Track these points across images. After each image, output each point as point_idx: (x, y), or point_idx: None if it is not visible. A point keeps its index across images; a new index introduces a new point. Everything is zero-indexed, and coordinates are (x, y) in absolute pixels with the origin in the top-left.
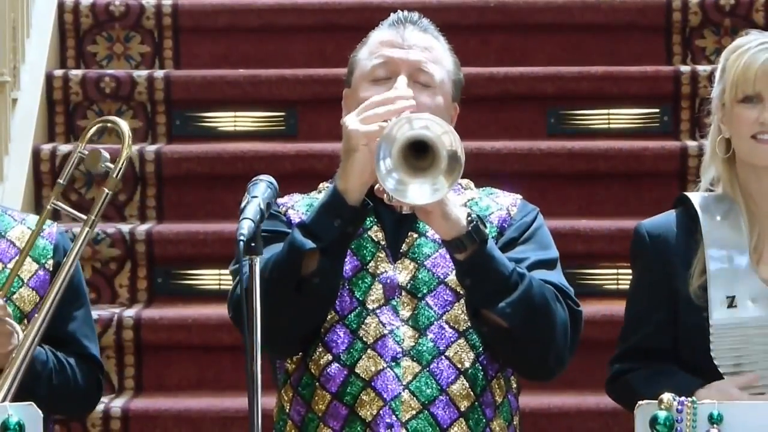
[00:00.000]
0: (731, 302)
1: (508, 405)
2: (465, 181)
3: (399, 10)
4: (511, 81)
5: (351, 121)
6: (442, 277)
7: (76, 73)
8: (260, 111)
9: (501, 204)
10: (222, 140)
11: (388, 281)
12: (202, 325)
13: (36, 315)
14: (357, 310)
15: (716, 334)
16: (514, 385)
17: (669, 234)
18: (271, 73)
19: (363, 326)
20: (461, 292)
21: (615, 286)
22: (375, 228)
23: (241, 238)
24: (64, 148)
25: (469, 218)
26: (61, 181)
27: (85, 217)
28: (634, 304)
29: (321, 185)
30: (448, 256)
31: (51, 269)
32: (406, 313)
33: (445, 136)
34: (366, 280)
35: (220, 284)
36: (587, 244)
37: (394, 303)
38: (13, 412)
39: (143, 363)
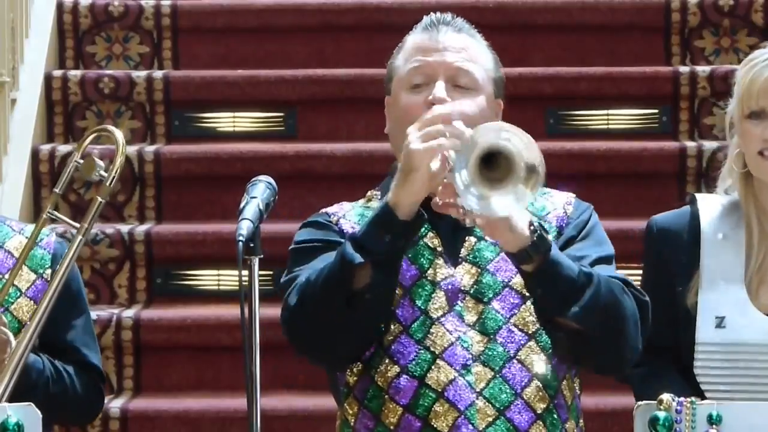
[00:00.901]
0: (720, 323)
1: (576, 406)
2: None
3: (432, 12)
4: (509, 81)
5: (413, 139)
6: (506, 280)
7: (75, 74)
8: (259, 111)
9: (556, 203)
10: (221, 141)
11: (450, 287)
12: (201, 326)
13: (28, 321)
14: (420, 319)
15: (701, 352)
16: (578, 387)
17: (677, 232)
18: (270, 74)
19: (429, 336)
20: (526, 294)
21: None
22: (430, 234)
23: (240, 238)
24: (63, 148)
25: (532, 227)
26: (57, 190)
27: (78, 225)
28: None
29: (369, 193)
30: (509, 259)
31: (49, 279)
32: (472, 317)
33: (524, 149)
34: (426, 288)
35: (219, 285)
36: None
37: (459, 308)
38: (12, 413)
39: (142, 363)
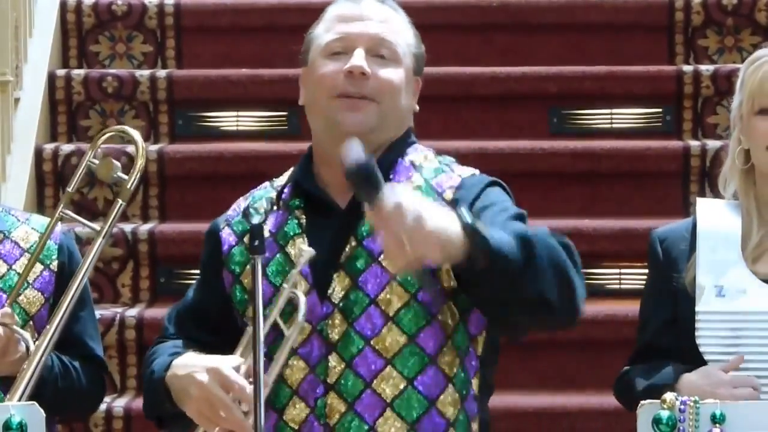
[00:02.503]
0: (719, 291)
1: (465, 412)
2: (421, 155)
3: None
4: (513, 80)
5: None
6: (372, 296)
7: (78, 73)
8: (263, 110)
9: (448, 184)
10: (224, 140)
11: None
12: None
13: (47, 326)
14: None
15: (702, 321)
16: (474, 391)
17: (678, 241)
18: (274, 73)
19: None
20: (389, 313)
21: (617, 286)
22: (298, 239)
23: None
24: (66, 147)
25: (461, 222)
26: (69, 189)
27: (97, 227)
28: (643, 309)
29: (271, 182)
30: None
31: (56, 270)
32: (334, 337)
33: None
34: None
35: None
36: (590, 243)
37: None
38: (16, 412)
39: None
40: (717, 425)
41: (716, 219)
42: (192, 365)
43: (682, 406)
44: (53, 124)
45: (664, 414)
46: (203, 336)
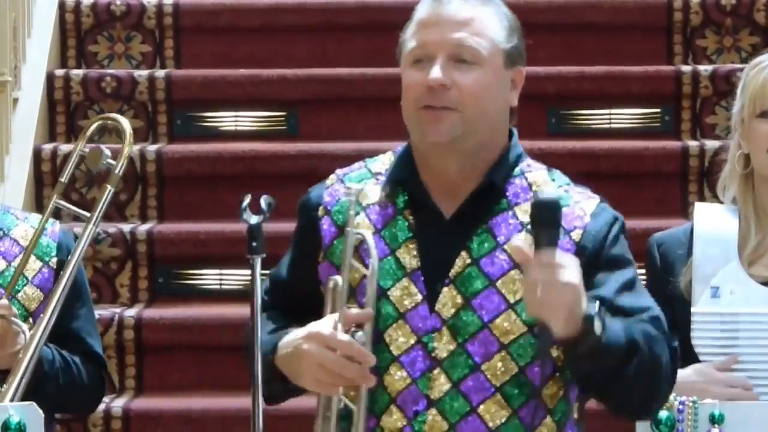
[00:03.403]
0: (715, 293)
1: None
2: (538, 174)
3: None
4: None
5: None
6: (487, 320)
7: (77, 73)
8: (261, 111)
9: (578, 213)
10: (223, 140)
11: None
12: (203, 325)
13: (42, 315)
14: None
15: (697, 322)
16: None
17: (675, 246)
18: (272, 73)
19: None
20: (504, 342)
21: None
22: (409, 245)
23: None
24: (65, 147)
25: (586, 317)
26: (62, 179)
27: (88, 214)
28: None
29: (379, 162)
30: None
31: (55, 267)
32: (442, 354)
33: None
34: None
35: (221, 284)
36: None
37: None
38: (14, 412)
39: (144, 363)
40: (716, 425)
41: (714, 222)
42: (293, 342)
43: (681, 407)
44: (52, 125)
45: (663, 414)
46: (297, 310)
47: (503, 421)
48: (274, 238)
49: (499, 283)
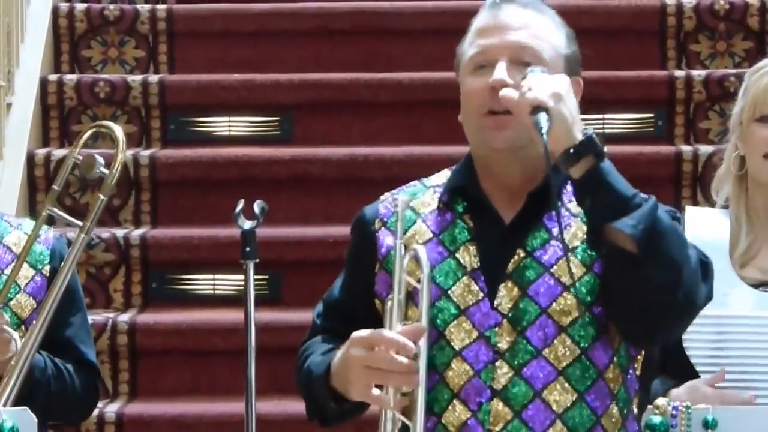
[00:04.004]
0: None
1: (626, 388)
2: None
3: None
4: None
5: (356, 377)
6: (545, 306)
7: (70, 78)
8: (255, 115)
9: None
10: (217, 145)
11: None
12: (197, 330)
13: (34, 322)
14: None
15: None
16: (626, 359)
17: None
18: (266, 78)
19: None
20: (563, 324)
21: None
22: (469, 246)
23: None
24: (58, 153)
25: (585, 131)
26: (55, 186)
27: (80, 223)
28: None
29: (437, 177)
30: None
31: (48, 275)
32: (503, 346)
33: None
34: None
35: (214, 289)
36: None
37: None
38: (8, 417)
39: (138, 368)
40: (709, 430)
41: (705, 226)
42: (341, 353)
43: (674, 412)
44: (45, 130)
45: (656, 419)
46: (353, 330)
47: (569, 405)
48: (267, 243)
49: (553, 269)
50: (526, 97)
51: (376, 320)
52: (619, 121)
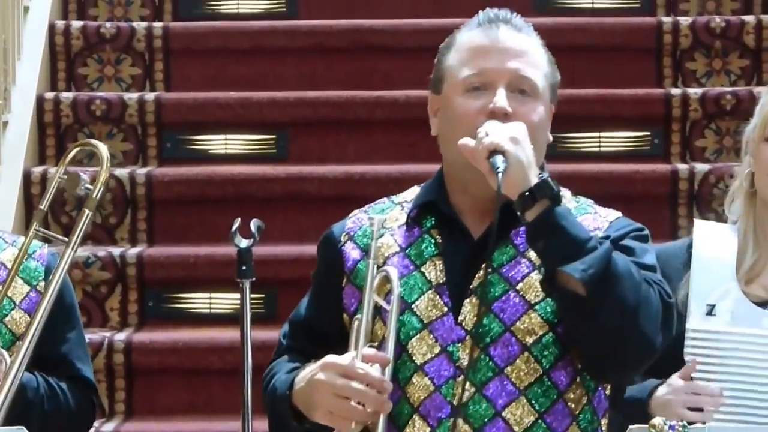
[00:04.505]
0: (710, 310)
1: (594, 405)
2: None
3: (488, 8)
4: None
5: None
6: (509, 323)
7: (66, 96)
8: (251, 133)
9: (598, 215)
10: (213, 163)
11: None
12: (193, 349)
13: (22, 339)
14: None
15: (691, 339)
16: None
17: (673, 259)
18: (262, 96)
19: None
20: (527, 342)
21: None
22: (436, 261)
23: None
24: (54, 170)
25: (540, 175)
26: (42, 207)
27: (66, 239)
28: None
29: (403, 195)
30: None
31: (42, 291)
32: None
33: None
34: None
35: (210, 308)
36: None
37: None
38: None
39: (134, 387)
40: None
41: (712, 240)
42: (308, 373)
43: (670, 430)
44: (42, 147)
45: None
46: (319, 351)
47: (529, 425)
48: (263, 262)
49: (519, 286)
50: (484, 143)
51: (344, 337)
52: (616, 139)
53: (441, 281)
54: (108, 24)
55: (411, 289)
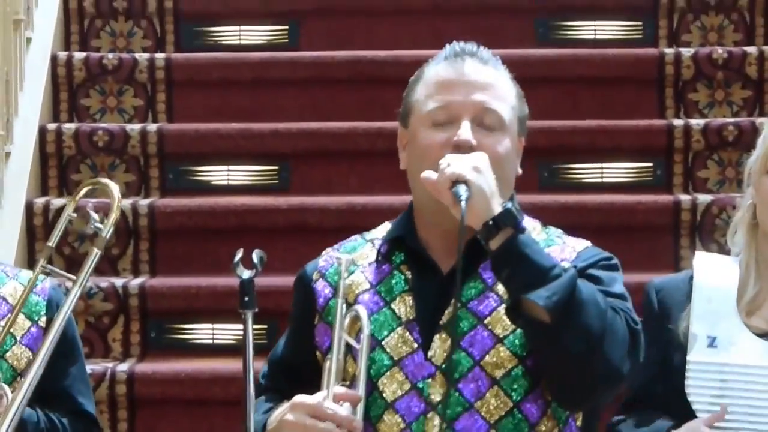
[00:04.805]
0: (712, 342)
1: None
2: (529, 225)
3: (455, 42)
4: None
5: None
6: (477, 358)
7: (69, 127)
8: (253, 164)
9: (566, 245)
10: (215, 194)
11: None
12: (196, 380)
13: (23, 375)
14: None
15: (692, 370)
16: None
17: (674, 291)
18: (264, 127)
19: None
20: (496, 376)
21: None
22: (405, 297)
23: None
24: (57, 202)
25: (504, 205)
26: (50, 243)
27: (74, 277)
28: None
29: (386, 224)
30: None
31: (44, 326)
32: (436, 398)
33: None
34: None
35: (213, 338)
36: None
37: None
38: None
39: (136, 417)
40: None
41: (714, 272)
42: (279, 413)
43: None
44: (44, 179)
45: None
46: (295, 389)
47: None
48: (266, 293)
49: (487, 321)
50: (446, 173)
51: (319, 374)
52: (618, 170)
53: (411, 317)
54: (110, 55)
55: (381, 325)
